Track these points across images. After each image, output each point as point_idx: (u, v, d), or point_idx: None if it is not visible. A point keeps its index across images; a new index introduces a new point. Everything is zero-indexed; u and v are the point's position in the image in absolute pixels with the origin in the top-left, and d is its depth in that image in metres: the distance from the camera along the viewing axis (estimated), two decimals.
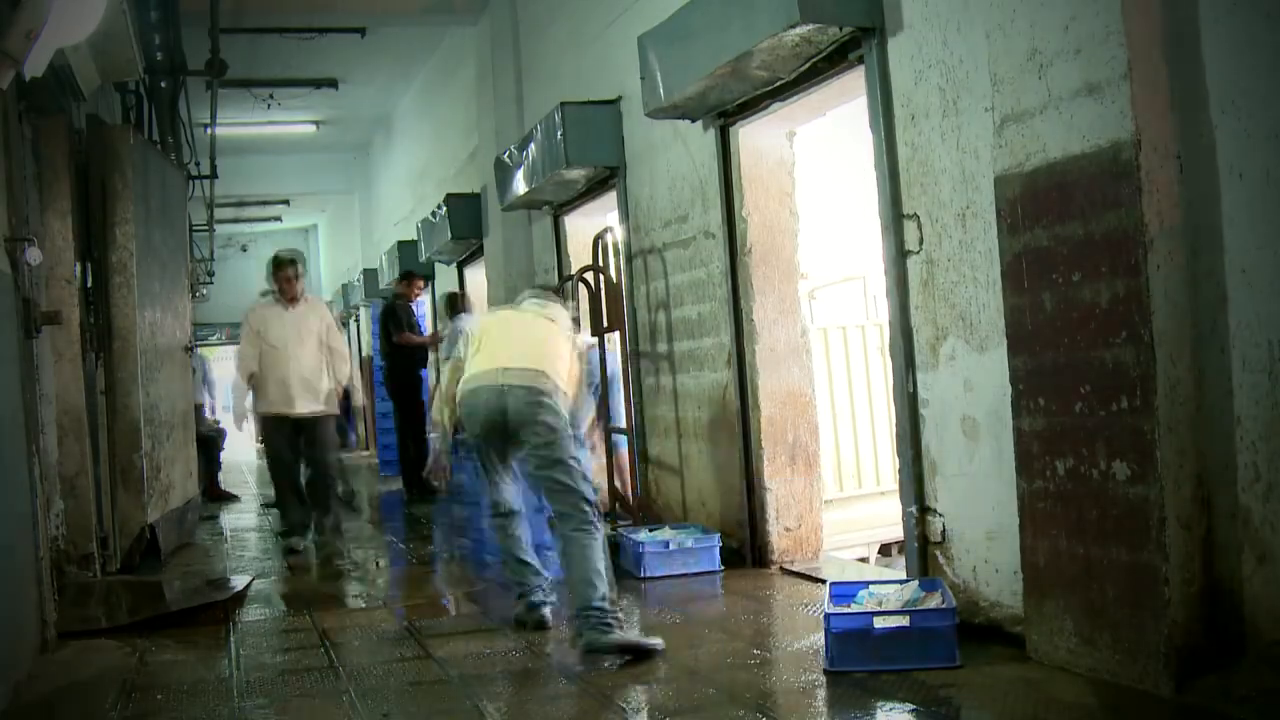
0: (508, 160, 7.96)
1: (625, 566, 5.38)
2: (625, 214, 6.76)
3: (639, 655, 3.89)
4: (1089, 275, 3.19)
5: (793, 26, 4.23)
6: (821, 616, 3.77)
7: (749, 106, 5.25)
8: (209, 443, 10.36)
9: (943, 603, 3.70)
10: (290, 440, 6.95)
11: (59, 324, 5.07)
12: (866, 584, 4.00)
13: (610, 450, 6.69)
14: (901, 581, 4.01)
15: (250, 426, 8.21)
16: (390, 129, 15.14)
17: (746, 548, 5.49)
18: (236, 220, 19.81)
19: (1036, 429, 3.41)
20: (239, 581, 5.71)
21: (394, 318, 9.93)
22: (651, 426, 6.58)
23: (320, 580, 6.04)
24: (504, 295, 8.73)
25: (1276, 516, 2.92)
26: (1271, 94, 2.88)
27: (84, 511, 5.68)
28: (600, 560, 4.04)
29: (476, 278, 10.64)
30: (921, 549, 4.19)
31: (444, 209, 9.89)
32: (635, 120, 6.43)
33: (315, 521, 7.11)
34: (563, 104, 6.78)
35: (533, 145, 7.28)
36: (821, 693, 3.44)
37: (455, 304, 9.37)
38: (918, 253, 4.14)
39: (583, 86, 7.21)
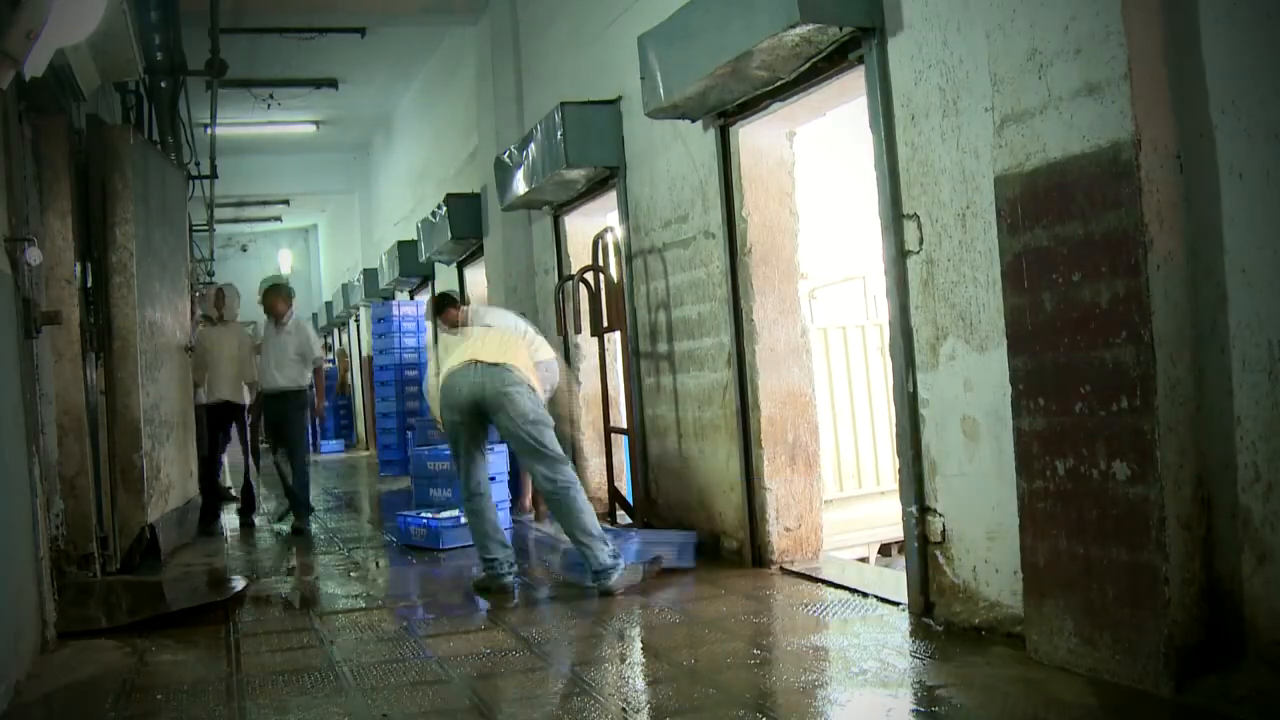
0: (508, 160, 7.96)
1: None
2: (625, 214, 6.76)
3: (647, 575, 5.12)
4: (1089, 275, 3.19)
5: (793, 26, 4.23)
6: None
7: (749, 106, 5.25)
8: None
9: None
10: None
11: (59, 324, 5.07)
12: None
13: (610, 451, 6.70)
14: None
15: None
16: (390, 129, 15.15)
17: (746, 548, 5.49)
18: (236, 220, 19.84)
19: (1036, 429, 3.41)
20: (239, 581, 5.71)
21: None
22: (651, 426, 6.58)
23: (320, 580, 6.04)
24: (503, 296, 8.74)
25: (1276, 516, 2.92)
26: (1271, 94, 2.88)
27: (84, 511, 5.68)
28: (587, 515, 4.99)
29: (476, 278, 10.64)
30: (921, 549, 4.19)
31: (444, 209, 9.89)
32: (635, 120, 6.44)
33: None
34: (563, 104, 6.78)
35: (533, 145, 7.28)
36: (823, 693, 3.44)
37: (441, 306, 8.92)
38: (918, 253, 4.14)
39: (583, 86, 7.22)
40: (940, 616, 4.07)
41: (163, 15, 7.66)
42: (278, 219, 21.23)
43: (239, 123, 13.11)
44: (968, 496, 3.99)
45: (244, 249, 22.52)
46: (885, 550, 7.48)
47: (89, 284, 6.01)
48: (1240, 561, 3.02)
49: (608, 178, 6.99)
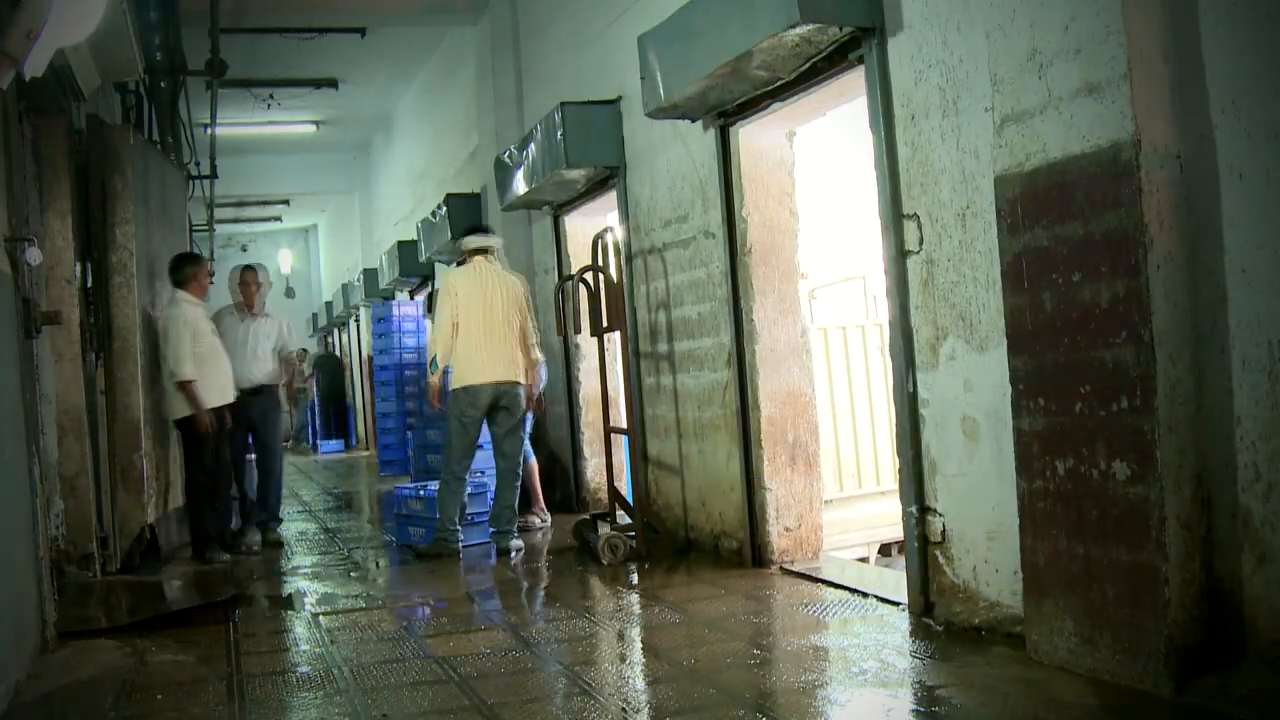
0: (508, 160, 7.95)
1: None
2: (625, 214, 6.76)
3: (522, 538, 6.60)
4: (1089, 275, 3.19)
5: (793, 26, 4.22)
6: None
7: (749, 106, 5.25)
8: None
9: None
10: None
11: (59, 324, 5.06)
12: None
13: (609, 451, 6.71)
14: None
15: None
16: (390, 129, 15.14)
17: (746, 548, 5.49)
18: (236, 220, 19.83)
19: (1036, 429, 3.41)
20: (239, 582, 5.71)
21: None
22: (651, 426, 6.58)
23: (320, 580, 6.04)
24: None
25: (1276, 516, 2.92)
26: (1271, 94, 2.88)
27: (84, 511, 5.67)
28: (514, 496, 6.48)
29: None
30: (921, 549, 4.19)
31: (444, 209, 9.88)
32: (635, 120, 6.44)
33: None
34: (563, 104, 6.78)
35: (533, 145, 7.28)
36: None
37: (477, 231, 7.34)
38: (918, 253, 4.14)
39: (583, 86, 7.22)
40: (940, 616, 4.07)
41: (163, 15, 7.67)
42: (278, 219, 21.23)
43: (239, 123, 13.10)
44: (968, 496, 3.99)
45: (244, 249, 22.49)
46: (885, 550, 7.47)
47: (89, 284, 6.01)
48: (1240, 561, 3.02)
49: (608, 178, 6.98)
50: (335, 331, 20.90)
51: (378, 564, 6.61)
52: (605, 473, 6.72)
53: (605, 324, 6.36)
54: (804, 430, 5.51)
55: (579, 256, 7.72)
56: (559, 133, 6.72)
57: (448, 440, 6.48)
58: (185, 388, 6.45)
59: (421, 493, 6.91)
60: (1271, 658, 2.93)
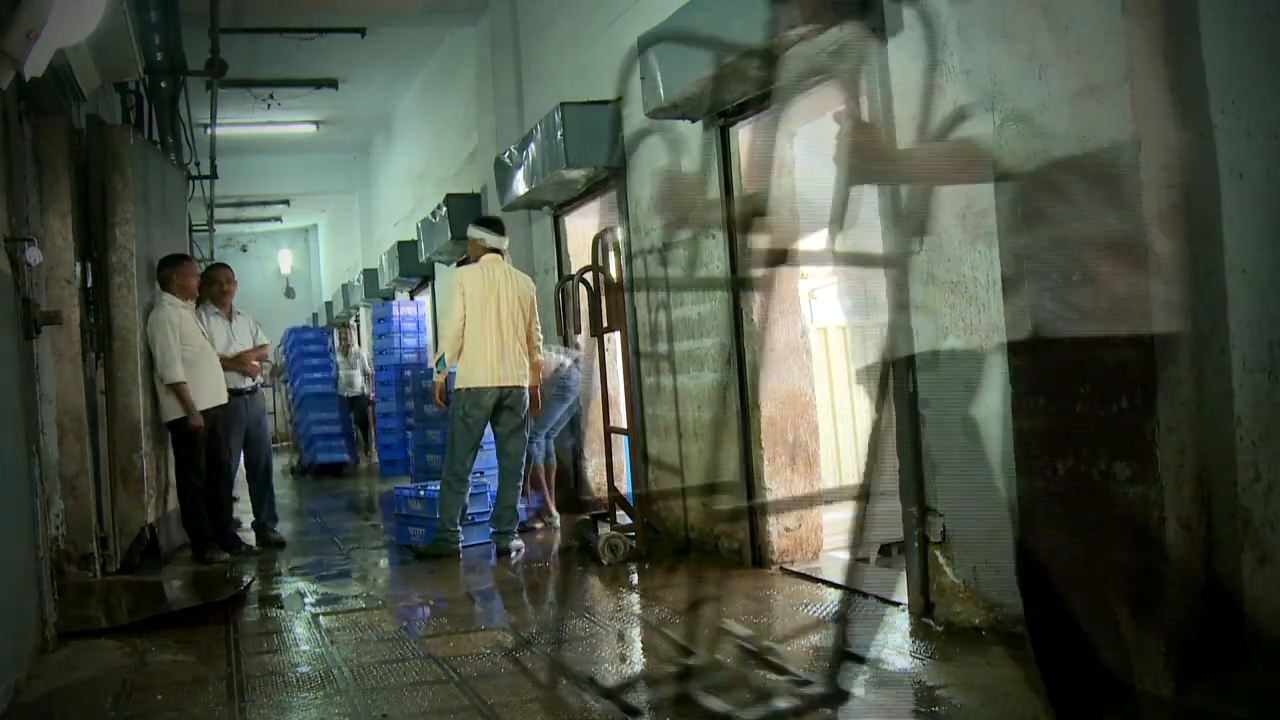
0: (508, 160, 7.95)
1: None
2: (625, 214, 6.76)
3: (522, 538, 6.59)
4: (1089, 275, 3.19)
5: (793, 27, 4.22)
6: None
7: (749, 106, 5.25)
8: None
9: None
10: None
11: (59, 324, 5.06)
12: None
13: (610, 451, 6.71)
14: None
15: None
16: (390, 129, 15.14)
17: (746, 548, 5.49)
18: (236, 220, 19.80)
19: (1036, 429, 3.41)
20: (239, 581, 5.71)
21: None
22: (651, 426, 6.58)
23: (320, 580, 6.04)
24: None
25: (1276, 516, 2.92)
26: (1271, 94, 2.88)
27: (84, 511, 5.67)
28: (515, 496, 6.50)
29: None
30: (921, 549, 4.19)
31: (444, 209, 9.88)
32: (635, 120, 6.44)
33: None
34: (563, 104, 6.78)
35: (533, 145, 7.28)
36: None
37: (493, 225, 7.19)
38: (918, 253, 4.14)
39: (583, 86, 7.21)
40: (940, 617, 4.07)
41: (163, 15, 7.66)
42: (278, 219, 21.20)
43: (239, 123, 13.10)
44: (968, 496, 3.98)
45: (244, 249, 22.47)
46: (885, 550, 7.47)
47: (89, 284, 6.01)
48: (1240, 562, 3.02)
49: (608, 178, 6.98)
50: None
51: (378, 564, 6.61)
52: (605, 473, 6.72)
53: (605, 324, 6.36)
54: (804, 430, 5.51)
55: (579, 256, 7.72)
56: (559, 133, 6.72)
57: (449, 440, 6.47)
58: (176, 389, 6.42)
59: (421, 493, 6.91)
60: (1271, 658, 2.93)
